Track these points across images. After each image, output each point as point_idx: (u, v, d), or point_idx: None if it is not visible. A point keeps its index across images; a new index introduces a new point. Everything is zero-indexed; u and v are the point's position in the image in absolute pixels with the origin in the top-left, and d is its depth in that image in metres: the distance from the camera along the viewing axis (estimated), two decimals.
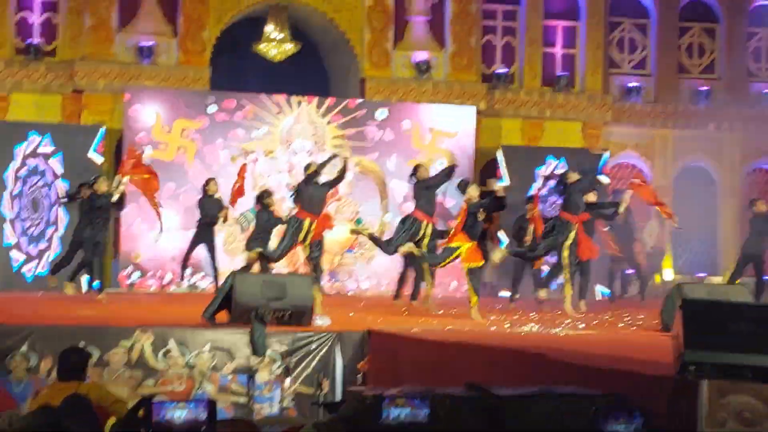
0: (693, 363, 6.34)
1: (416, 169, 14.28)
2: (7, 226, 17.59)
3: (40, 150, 17.78)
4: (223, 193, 16.14)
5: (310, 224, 13.54)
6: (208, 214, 16.06)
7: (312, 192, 13.63)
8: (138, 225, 18.21)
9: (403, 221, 14.09)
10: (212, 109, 18.73)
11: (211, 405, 5.82)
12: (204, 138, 18.66)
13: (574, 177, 14.41)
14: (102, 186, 14.96)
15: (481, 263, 13.56)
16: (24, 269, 17.62)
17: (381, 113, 19.29)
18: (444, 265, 13.98)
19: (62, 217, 17.68)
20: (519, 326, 12.55)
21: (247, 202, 16.74)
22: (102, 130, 18.21)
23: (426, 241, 13.85)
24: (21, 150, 17.69)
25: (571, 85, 21.38)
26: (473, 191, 13.55)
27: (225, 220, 16.20)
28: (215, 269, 16.12)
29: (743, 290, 12.92)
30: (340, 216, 19.09)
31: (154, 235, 16.90)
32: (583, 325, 12.97)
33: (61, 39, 19.45)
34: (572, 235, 14.08)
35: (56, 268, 15.75)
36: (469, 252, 13.37)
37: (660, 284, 20.82)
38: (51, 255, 17.60)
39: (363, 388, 7.46)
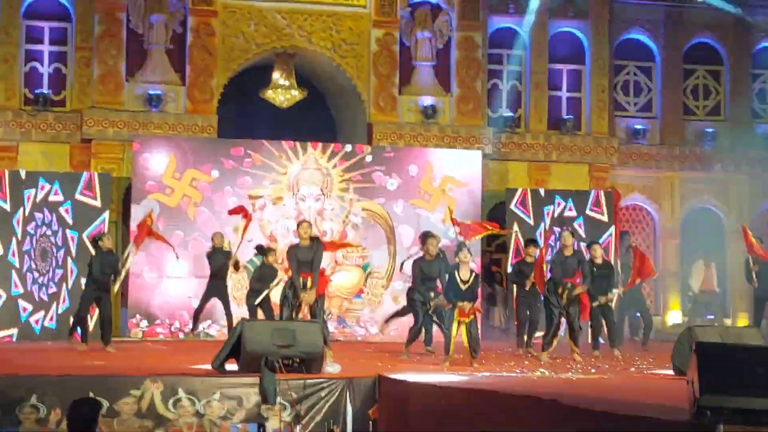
0: (709, 408, 6.30)
1: None
2: (14, 275, 17.55)
3: (51, 198, 17.77)
4: (232, 241, 16.18)
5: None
6: (216, 268, 16.09)
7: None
8: (147, 273, 18.22)
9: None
10: (234, 151, 18.81)
11: None
12: (213, 186, 18.70)
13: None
14: (107, 243, 15.11)
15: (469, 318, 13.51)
16: (32, 319, 17.57)
17: (387, 161, 19.31)
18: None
19: (71, 267, 17.66)
20: (530, 371, 12.48)
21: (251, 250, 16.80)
22: (84, 174, 18.20)
23: None
24: (30, 196, 17.68)
25: (577, 128, 21.45)
26: (465, 256, 13.58)
27: (237, 268, 16.21)
28: (229, 319, 16.15)
29: (756, 333, 12.85)
30: (348, 262, 19.08)
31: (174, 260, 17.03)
32: (594, 369, 12.90)
33: (69, 89, 19.58)
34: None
35: (74, 327, 15.60)
36: (459, 311, 13.40)
37: (669, 327, 20.79)
38: (61, 306, 17.56)
39: None
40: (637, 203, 22.10)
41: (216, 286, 16.23)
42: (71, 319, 15.86)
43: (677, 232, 21.96)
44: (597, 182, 21.18)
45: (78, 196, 17.84)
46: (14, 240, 17.58)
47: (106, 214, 17.98)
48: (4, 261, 17.45)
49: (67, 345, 15.49)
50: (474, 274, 13.50)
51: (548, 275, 14.79)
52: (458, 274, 13.41)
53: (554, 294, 14.45)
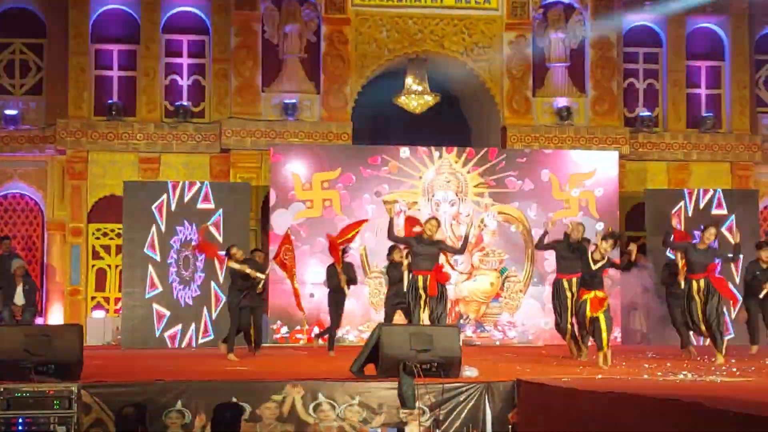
0: None
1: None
2: (151, 270, 18.02)
3: (200, 206, 18.14)
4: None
5: (424, 281, 13.58)
6: (331, 282, 16.10)
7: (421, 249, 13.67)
8: (284, 280, 18.48)
9: None
10: (369, 157, 19.02)
11: None
12: (351, 194, 18.87)
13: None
14: (238, 254, 15.32)
15: (603, 310, 13.26)
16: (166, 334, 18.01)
17: (520, 165, 19.17)
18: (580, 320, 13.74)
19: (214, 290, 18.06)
20: (672, 374, 12.24)
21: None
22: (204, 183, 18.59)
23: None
24: (176, 193, 18.12)
25: (717, 126, 20.98)
26: (606, 245, 13.31)
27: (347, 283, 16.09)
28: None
29: None
30: (485, 266, 19.03)
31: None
32: (739, 372, 12.58)
33: (208, 100, 20.04)
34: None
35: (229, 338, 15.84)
36: (592, 302, 13.21)
37: None
38: (214, 311, 17.94)
39: None
40: None
41: (334, 298, 16.23)
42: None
43: None
44: (740, 181, 20.69)
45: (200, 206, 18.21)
46: (155, 228, 18.01)
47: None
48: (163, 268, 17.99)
49: (212, 350, 15.80)
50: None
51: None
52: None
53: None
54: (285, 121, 19.74)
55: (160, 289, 18.01)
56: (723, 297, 14.46)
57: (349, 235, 16.02)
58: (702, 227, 15.43)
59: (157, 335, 17.88)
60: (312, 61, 20.04)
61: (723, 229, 18.00)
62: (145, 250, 18.01)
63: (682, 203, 19.24)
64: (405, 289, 13.99)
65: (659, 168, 20.80)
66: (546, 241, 14.60)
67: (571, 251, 14.23)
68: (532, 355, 15.69)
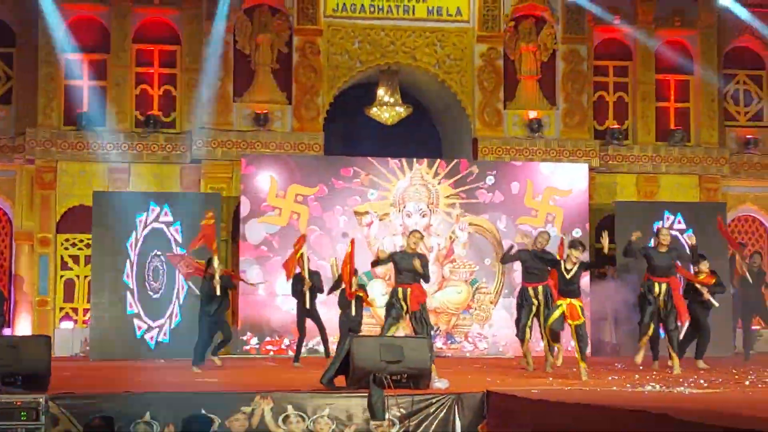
0: None
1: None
2: (129, 295, 18.01)
3: (162, 219, 18.20)
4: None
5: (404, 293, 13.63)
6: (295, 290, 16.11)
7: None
8: (258, 291, 18.47)
9: None
10: (340, 168, 19.06)
11: None
12: (323, 205, 18.88)
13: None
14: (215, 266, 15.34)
15: (581, 321, 13.32)
16: (147, 336, 18.00)
17: (490, 178, 19.22)
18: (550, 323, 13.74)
19: (182, 285, 18.02)
20: (641, 386, 12.30)
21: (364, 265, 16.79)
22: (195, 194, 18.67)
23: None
24: (142, 220, 18.15)
25: (686, 139, 21.11)
26: (577, 252, 13.37)
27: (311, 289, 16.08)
28: (323, 336, 16.15)
29: None
30: (455, 277, 19.07)
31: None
32: (707, 383, 12.65)
33: (179, 110, 19.97)
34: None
35: (199, 352, 15.70)
36: (570, 309, 13.23)
37: None
38: (173, 323, 17.97)
39: None
40: (750, 214, 21.64)
41: (300, 307, 16.23)
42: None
43: None
44: (708, 194, 20.82)
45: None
46: (128, 263, 18.04)
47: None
48: (119, 282, 17.94)
49: (179, 362, 15.74)
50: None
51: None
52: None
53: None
54: (257, 131, 19.71)
55: (130, 300, 17.96)
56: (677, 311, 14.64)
57: (297, 257, 16.05)
58: (655, 231, 15.58)
59: (129, 344, 17.79)
60: (284, 71, 20.03)
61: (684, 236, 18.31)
62: (114, 260, 17.97)
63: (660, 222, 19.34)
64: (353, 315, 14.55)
65: (629, 180, 20.90)
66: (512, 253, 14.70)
67: (537, 260, 14.29)
68: (503, 366, 15.71)
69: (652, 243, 15.47)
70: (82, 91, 19.84)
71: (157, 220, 18.20)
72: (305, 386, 11.77)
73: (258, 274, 18.40)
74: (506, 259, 14.93)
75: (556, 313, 13.33)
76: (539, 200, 19.37)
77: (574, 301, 13.31)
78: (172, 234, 18.19)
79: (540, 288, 14.24)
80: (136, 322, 18.03)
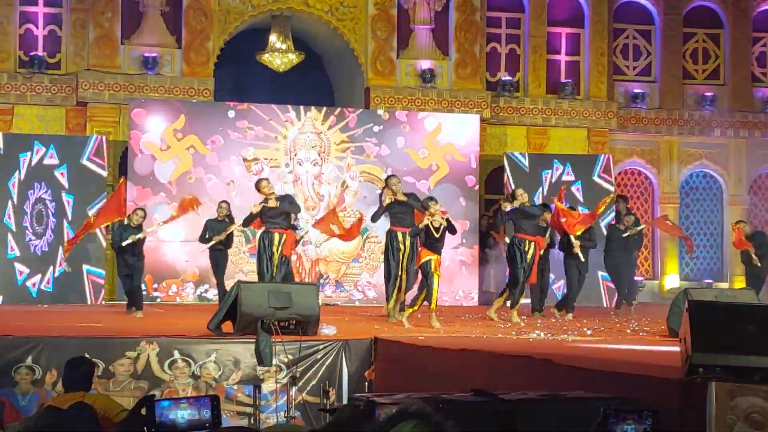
0: (701, 365, 6.29)
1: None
2: (10, 238, 17.56)
3: (46, 161, 17.76)
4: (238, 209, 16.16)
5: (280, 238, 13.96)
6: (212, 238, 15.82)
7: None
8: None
9: None
10: (231, 114, 18.78)
11: (214, 402, 5.69)
12: (219, 155, 18.63)
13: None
14: (135, 218, 15.21)
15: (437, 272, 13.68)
16: (28, 282, 17.59)
17: (377, 128, 19.20)
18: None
19: (67, 231, 17.61)
20: (526, 333, 12.50)
21: None
22: (93, 136, 18.20)
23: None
24: (26, 159, 17.67)
25: (575, 92, 21.35)
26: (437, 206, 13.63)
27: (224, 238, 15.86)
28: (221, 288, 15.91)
29: (751, 294, 12.87)
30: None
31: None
32: (590, 331, 12.92)
33: (64, 52, 19.47)
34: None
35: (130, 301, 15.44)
36: (436, 264, 13.53)
37: (667, 291, 20.79)
38: (56, 270, 17.57)
39: (361, 395, 7.36)
40: (636, 167, 22.05)
41: (214, 256, 16.01)
42: None
43: (676, 196, 21.92)
44: (596, 147, 21.12)
45: (85, 161, 17.80)
46: (10, 203, 17.59)
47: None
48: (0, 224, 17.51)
49: (62, 307, 15.49)
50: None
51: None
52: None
53: None
54: (145, 75, 19.32)
55: (11, 242, 17.54)
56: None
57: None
58: (511, 193, 15.65)
59: (9, 288, 17.40)
60: (174, 14, 19.63)
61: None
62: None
63: (549, 171, 19.57)
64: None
65: (519, 132, 21.08)
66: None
67: (402, 206, 14.25)
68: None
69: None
70: None
71: (42, 163, 17.75)
72: (192, 332, 11.70)
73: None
74: (376, 217, 14.72)
75: (431, 267, 13.54)
76: (428, 153, 19.36)
77: (439, 257, 13.73)
78: (57, 177, 17.76)
79: (407, 233, 14.22)
80: (17, 266, 17.60)
